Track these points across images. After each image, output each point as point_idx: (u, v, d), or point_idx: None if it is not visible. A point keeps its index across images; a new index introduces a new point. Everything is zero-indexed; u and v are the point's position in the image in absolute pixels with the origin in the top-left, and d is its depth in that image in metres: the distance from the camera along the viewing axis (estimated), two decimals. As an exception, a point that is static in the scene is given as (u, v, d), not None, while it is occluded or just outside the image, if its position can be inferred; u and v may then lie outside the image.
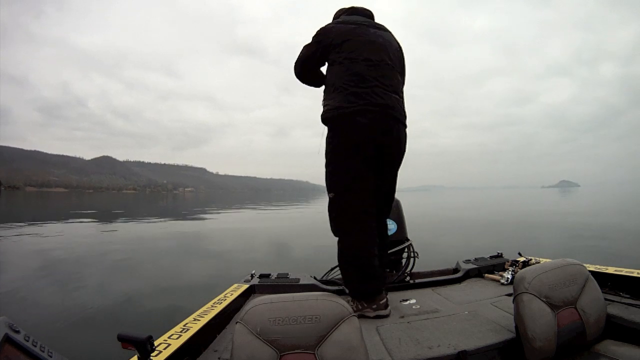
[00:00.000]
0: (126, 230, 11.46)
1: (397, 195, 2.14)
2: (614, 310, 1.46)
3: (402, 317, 1.64)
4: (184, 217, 17.17)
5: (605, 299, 1.41)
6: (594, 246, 6.77)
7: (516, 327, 1.29)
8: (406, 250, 2.31)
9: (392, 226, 2.30)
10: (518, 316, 1.27)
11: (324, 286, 2.02)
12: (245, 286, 1.94)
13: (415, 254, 2.29)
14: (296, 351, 1.00)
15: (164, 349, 1.14)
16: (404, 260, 2.32)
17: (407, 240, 2.32)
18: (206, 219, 16.91)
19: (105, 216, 17.37)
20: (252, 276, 2.16)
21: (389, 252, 2.22)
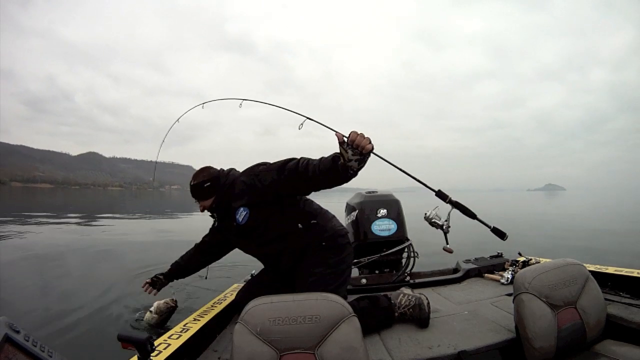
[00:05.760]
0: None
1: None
2: (614, 310, 1.46)
3: None
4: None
5: (605, 299, 1.41)
6: (585, 246, 6.73)
7: (516, 327, 1.29)
8: (406, 250, 2.30)
9: (392, 226, 2.29)
10: (518, 316, 1.27)
11: None
12: None
13: (415, 254, 2.28)
14: (296, 351, 1.00)
15: (164, 349, 1.14)
16: (404, 260, 2.31)
17: (407, 240, 2.31)
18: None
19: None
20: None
21: (389, 252, 2.22)
